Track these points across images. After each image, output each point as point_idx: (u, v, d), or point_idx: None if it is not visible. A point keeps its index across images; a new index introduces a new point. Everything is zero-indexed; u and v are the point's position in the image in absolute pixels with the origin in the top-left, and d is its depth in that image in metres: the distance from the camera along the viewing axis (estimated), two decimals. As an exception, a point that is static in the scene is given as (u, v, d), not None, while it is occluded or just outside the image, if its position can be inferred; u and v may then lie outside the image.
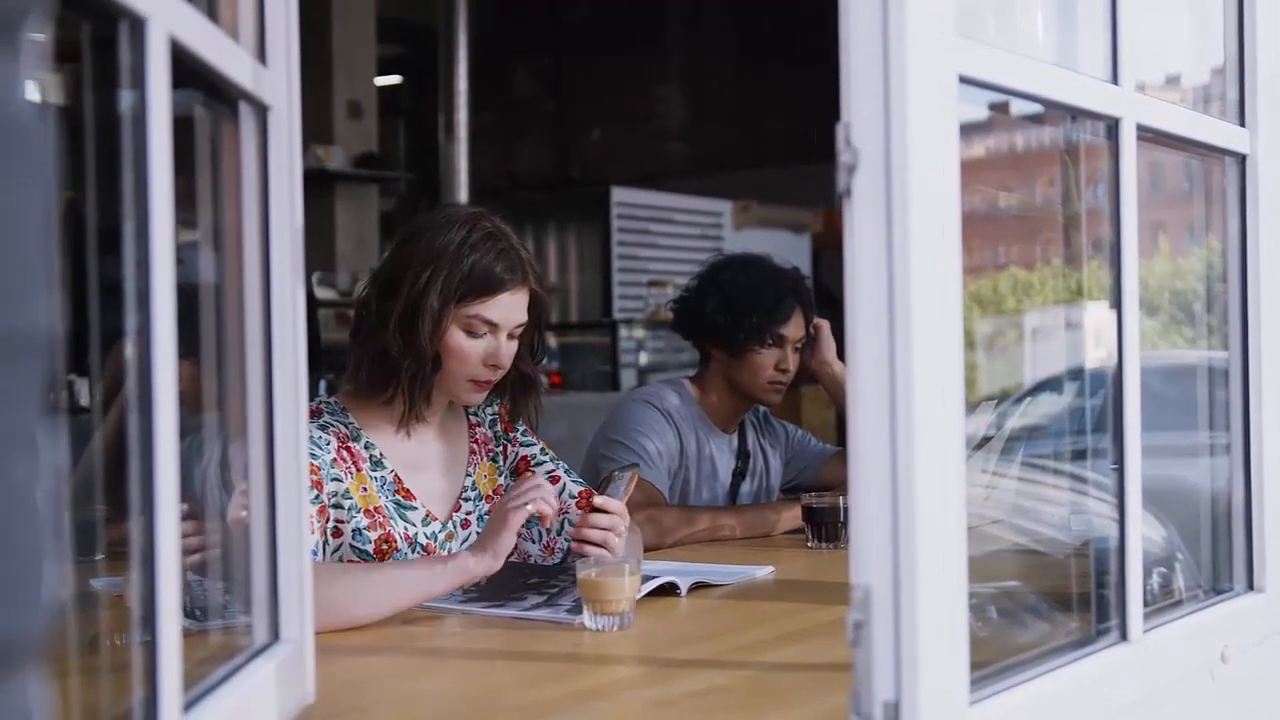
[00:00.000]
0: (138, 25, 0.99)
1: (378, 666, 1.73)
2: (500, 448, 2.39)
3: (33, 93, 0.59)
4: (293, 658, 1.36)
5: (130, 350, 1.00)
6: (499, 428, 2.40)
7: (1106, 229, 1.57)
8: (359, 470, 2.17)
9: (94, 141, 1.02)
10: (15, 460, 0.55)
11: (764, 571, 2.34)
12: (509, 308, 2.18)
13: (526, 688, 1.59)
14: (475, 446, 2.36)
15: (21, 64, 0.58)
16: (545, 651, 1.76)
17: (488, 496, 2.34)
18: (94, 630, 1.32)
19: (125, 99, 1.01)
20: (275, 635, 1.36)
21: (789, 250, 6.71)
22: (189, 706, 1.09)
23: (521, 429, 2.42)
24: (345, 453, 2.17)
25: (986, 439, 2.16)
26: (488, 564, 1.97)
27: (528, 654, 1.75)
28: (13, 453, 0.55)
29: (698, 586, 2.16)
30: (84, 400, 2.32)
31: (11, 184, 0.55)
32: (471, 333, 2.17)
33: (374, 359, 2.19)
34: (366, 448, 2.21)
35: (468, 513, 2.31)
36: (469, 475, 2.33)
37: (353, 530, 2.13)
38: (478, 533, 2.27)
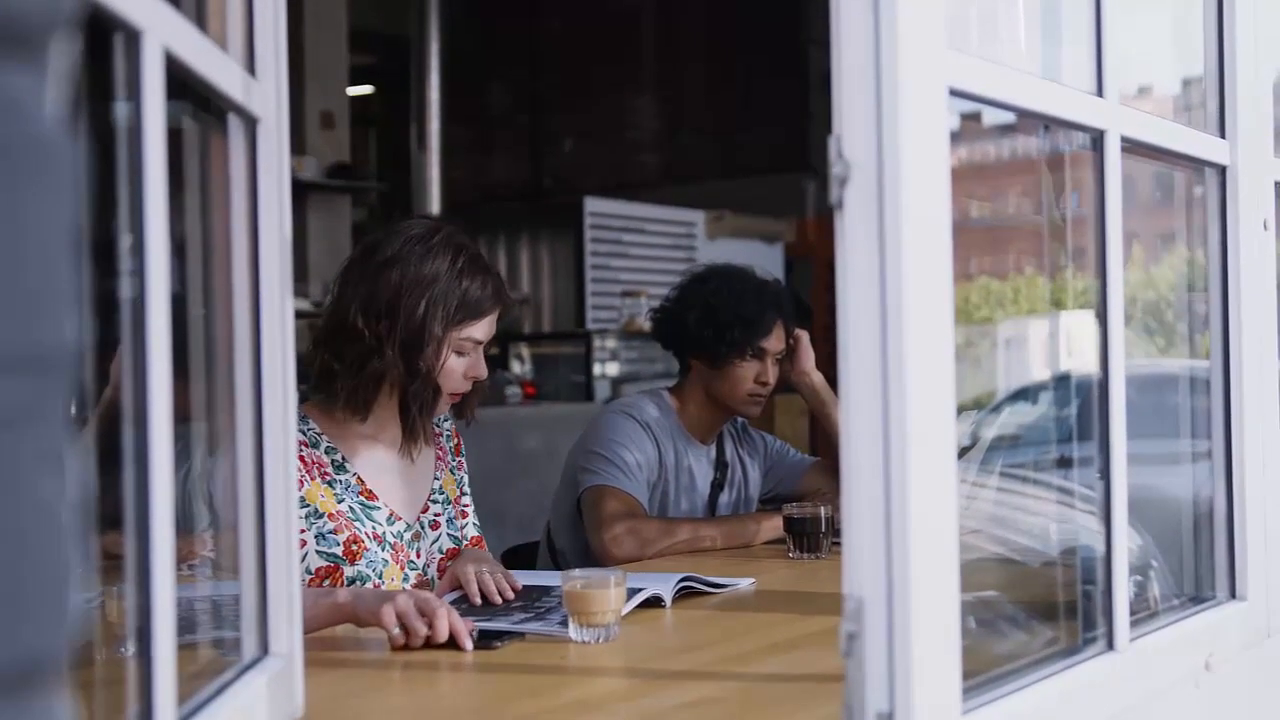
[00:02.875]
0: (133, 37, 0.98)
1: (366, 680, 1.73)
2: (455, 463, 2.48)
3: (58, 107, 0.59)
4: (282, 672, 1.35)
5: (126, 363, 0.99)
6: (451, 445, 2.48)
7: (1085, 239, 1.58)
8: (314, 479, 2.21)
9: (87, 153, 1.02)
10: (45, 477, 0.55)
11: (746, 583, 2.34)
12: (492, 325, 2.30)
13: (515, 700, 1.59)
14: (440, 454, 2.43)
15: (48, 81, 0.57)
16: (532, 664, 1.76)
17: (453, 501, 2.41)
18: (81, 644, 1.31)
19: (119, 110, 1.01)
20: (265, 649, 1.35)
21: (762, 260, 6.70)
22: (182, 722, 1.08)
23: (464, 454, 2.51)
24: (299, 461, 2.19)
25: (965, 449, 2.18)
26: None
27: (515, 666, 1.75)
28: (42, 470, 0.54)
29: (684, 593, 2.17)
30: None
31: (42, 200, 0.55)
32: (460, 352, 2.26)
33: (371, 383, 2.23)
34: (328, 453, 2.25)
35: (436, 514, 2.37)
36: (436, 479, 2.40)
37: (317, 535, 2.17)
38: (448, 534, 2.36)
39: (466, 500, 2.47)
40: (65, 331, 0.57)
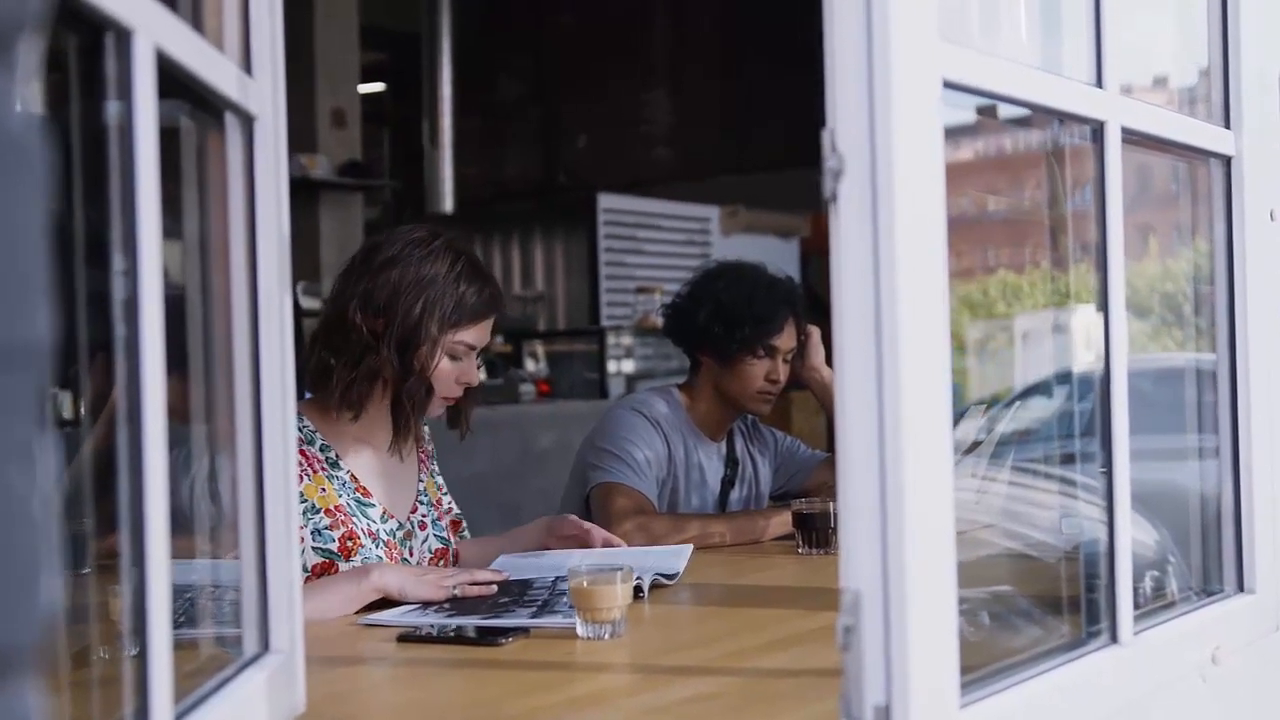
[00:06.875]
0: (124, 36, 0.99)
1: (368, 677, 1.73)
2: (433, 468, 2.53)
3: (27, 104, 0.60)
4: (283, 668, 1.36)
5: (119, 362, 1.00)
6: (431, 450, 2.53)
7: (1093, 231, 1.57)
8: (315, 473, 2.26)
9: (79, 152, 1.02)
10: (14, 471, 0.55)
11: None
12: (485, 332, 2.35)
13: (519, 696, 1.59)
14: (424, 458, 2.49)
15: (17, 76, 0.58)
16: (537, 660, 1.76)
17: (434, 504, 2.46)
18: (80, 643, 1.32)
19: (111, 109, 1.01)
20: (265, 646, 1.36)
21: (777, 256, 6.71)
22: (180, 717, 1.08)
23: (435, 459, 2.56)
24: (299, 456, 2.23)
25: (976, 443, 2.17)
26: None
27: (520, 663, 1.75)
28: (12, 463, 0.55)
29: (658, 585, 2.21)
30: (66, 413, 2.32)
31: (10, 195, 0.56)
32: (454, 356, 2.31)
33: (366, 379, 2.27)
34: (322, 450, 2.30)
35: (423, 516, 2.42)
36: (420, 481, 2.45)
37: (313, 531, 2.21)
38: (434, 535, 2.42)
39: (449, 499, 2.53)
40: (38, 327, 0.58)
